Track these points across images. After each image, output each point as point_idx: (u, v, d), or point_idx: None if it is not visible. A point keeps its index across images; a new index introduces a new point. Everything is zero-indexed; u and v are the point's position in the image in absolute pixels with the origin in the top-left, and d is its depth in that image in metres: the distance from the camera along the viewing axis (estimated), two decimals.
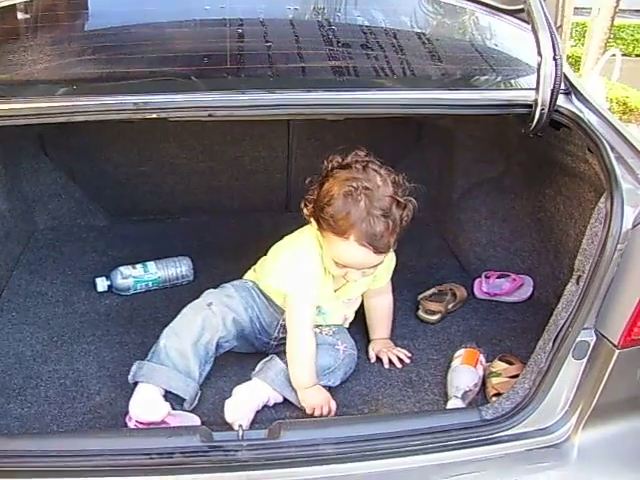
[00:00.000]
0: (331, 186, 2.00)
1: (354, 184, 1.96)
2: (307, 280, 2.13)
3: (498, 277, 2.74)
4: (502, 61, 2.29)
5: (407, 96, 1.98)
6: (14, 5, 2.32)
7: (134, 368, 2.10)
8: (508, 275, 2.74)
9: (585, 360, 1.83)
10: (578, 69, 9.51)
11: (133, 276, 2.73)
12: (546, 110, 1.95)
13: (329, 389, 2.15)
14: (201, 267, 2.81)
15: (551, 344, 1.82)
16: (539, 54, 1.90)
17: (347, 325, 2.38)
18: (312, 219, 2.09)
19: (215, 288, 2.32)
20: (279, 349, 2.24)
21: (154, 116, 1.83)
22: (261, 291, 2.30)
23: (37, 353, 2.36)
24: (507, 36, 2.37)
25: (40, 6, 2.36)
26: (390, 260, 2.31)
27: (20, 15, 2.42)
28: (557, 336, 1.82)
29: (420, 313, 2.58)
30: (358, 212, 1.95)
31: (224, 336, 2.18)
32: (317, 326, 2.26)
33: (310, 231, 2.16)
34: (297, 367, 2.10)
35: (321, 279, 2.16)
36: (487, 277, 2.75)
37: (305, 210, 2.10)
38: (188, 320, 2.17)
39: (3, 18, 2.45)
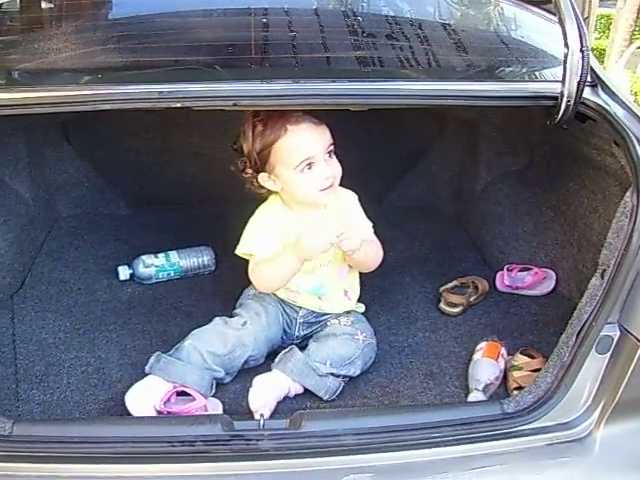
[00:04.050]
0: (242, 138, 2.11)
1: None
2: (262, 238, 2.18)
3: (520, 270, 2.72)
4: (528, 52, 2.27)
5: (432, 87, 1.96)
6: None
7: (152, 359, 2.09)
8: (531, 268, 2.71)
9: (608, 355, 1.81)
10: (602, 62, 9.42)
11: (155, 265, 2.74)
12: (572, 102, 1.92)
13: (349, 379, 2.15)
14: (223, 257, 2.80)
15: (574, 338, 1.81)
16: (566, 46, 1.87)
17: (354, 304, 2.35)
18: (257, 174, 2.14)
19: (237, 300, 2.37)
20: (302, 344, 2.25)
21: (178, 105, 1.83)
22: (275, 295, 2.31)
23: (59, 340, 2.37)
24: (533, 27, 2.35)
25: None
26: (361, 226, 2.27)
27: (45, 3, 2.43)
28: (580, 330, 1.81)
29: (442, 305, 2.56)
30: (274, 116, 2.05)
31: (254, 355, 2.18)
32: (336, 317, 2.28)
33: (269, 199, 2.24)
34: (277, 281, 2.21)
35: (283, 235, 2.18)
36: (509, 270, 2.72)
37: (248, 174, 2.16)
38: (221, 333, 2.16)
39: (28, 7, 2.45)
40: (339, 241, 2.06)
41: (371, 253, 2.22)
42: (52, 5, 2.40)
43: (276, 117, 2.05)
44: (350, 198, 2.29)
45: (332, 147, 2.11)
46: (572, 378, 1.81)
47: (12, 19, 2.50)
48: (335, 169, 2.13)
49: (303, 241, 2.07)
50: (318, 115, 2.09)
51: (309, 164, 2.07)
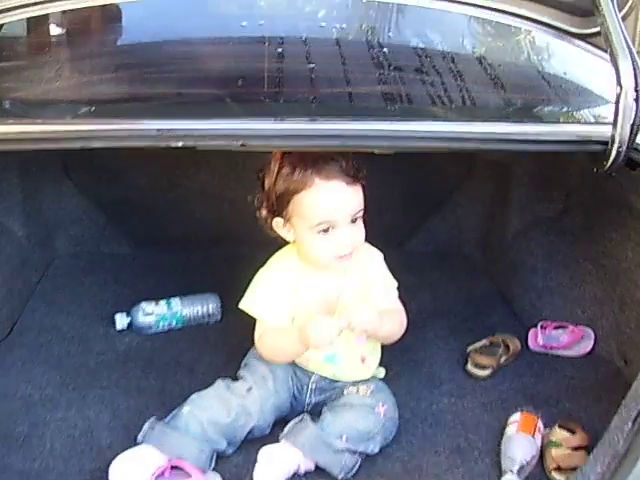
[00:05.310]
0: (267, 172, 1.92)
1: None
2: (270, 302, 1.99)
3: (555, 328, 2.49)
4: (572, 91, 2.08)
5: (467, 129, 1.76)
6: (35, 18, 2.16)
7: (146, 427, 1.91)
8: (566, 326, 2.49)
9: None
10: None
11: (156, 313, 2.54)
12: (624, 148, 1.74)
13: (366, 457, 1.93)
14: (230, 305, 2.57)
15: (630, 424, 1.58)
16: (619, 84, 1.69)
17: (374, 371, 2.14)
18: (272, 217, 1.95)
19: (244, 355, 2.18)
20: (312, 411, 2.05)
21: (179, 144, 1.65)
22: None
23: (46, 397, 2.18)
24: (578, 63, 2.16)
25: (60, 21, 2.21)
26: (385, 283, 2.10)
27: (55, 28, 2.30)
28: (638, 415, 1.57)
29: (469, 367, 2.34)
30: (306, 161, 1.84)
31: (259, 425, 1.98)
32: (354, 384, 2.06)
33: (284, 249, 2.05)
34: (282, 357, 2.04)
35: (294, 298, 2.00)
36: (543, 327, 2.50)
37: (263, 214, 1.97)
38: (223, 399, 1.97)
39: (35, 31, 2.30)
40: (349, 325, 1.85)
41: (393, 326, 2.03)
42: (48, 31, 2.23)
43: (307, 162, 1.84)
44: (374, 257, 2.09)
45: (360, 213, 1.91)
46: (627, 471, 1.55)
47: (14, 44, 2.35)
48: (357, 237, 1.93)
49: (308, 333, 1.85)
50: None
51: (329, 227, 1.87)
